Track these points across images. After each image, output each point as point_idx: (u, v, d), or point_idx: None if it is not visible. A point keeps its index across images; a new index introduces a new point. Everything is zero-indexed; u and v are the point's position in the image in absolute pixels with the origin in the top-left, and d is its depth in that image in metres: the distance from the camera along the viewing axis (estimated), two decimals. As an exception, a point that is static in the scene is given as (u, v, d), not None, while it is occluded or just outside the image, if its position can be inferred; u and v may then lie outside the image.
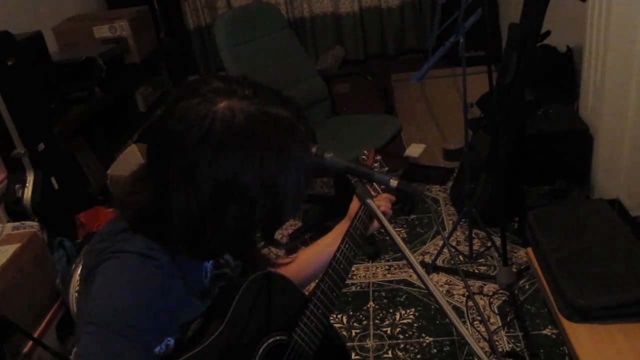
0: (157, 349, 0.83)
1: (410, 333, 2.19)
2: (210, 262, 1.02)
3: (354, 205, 1.27)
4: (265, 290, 1.04)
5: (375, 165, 1.27)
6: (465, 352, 2.06)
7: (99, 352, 0.76)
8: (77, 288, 1.08)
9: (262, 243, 0.96)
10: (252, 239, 0.90)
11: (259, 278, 1.03)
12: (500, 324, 2.16)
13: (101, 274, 0.83)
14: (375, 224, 1.24)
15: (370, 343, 2.17)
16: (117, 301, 0.80)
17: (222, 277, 1.05)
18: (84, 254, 0.89)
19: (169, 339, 0.87)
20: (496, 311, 2.23)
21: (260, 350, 1.00)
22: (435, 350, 2.10)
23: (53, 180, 2.56)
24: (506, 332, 2.12)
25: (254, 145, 0.80)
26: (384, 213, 1.15)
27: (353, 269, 2.57)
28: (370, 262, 2.62)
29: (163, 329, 0.84)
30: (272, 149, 0.81)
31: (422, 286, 1.90)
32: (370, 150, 1.29)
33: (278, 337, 1.04)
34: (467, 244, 2.55)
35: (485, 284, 2.36)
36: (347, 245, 1.15)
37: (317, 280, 1.12)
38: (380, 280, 2.50)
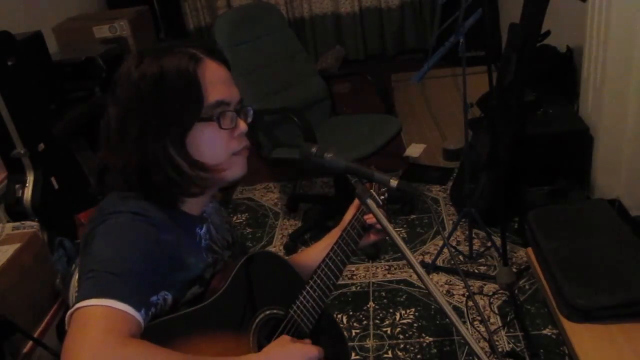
0: (153, 298, 0.88)
1: (410, 333, 2.19)
2: (204, 229, 1.07)
3: (348, 214, 1.31)
4: (265, 266, 1.10)
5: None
6: (465, 352, 2.06)
7: (99, 292, 0.81)
8: (77, 288, 1.09)
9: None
10: (168, 155, 0.96)
11: (260, 255, 1.10)
12: (500, 324, 2.16)
13: (99, 233, 0.89)
14: (370, 238, 1.32)
15: (370, 343, 2.17)
16: (115, 249, 0.87)
17: (213, 250, 1.09)
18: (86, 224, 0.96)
19: (166, 292, 0.92)
20: (496, 311, 2.23)
21: (258, 319, 1.04)
22: (435, 350, 2.10)
23: (53, 180, 2.56)
24: (506, 332, 2.12)
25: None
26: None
27: (353, 269, 2.57)
28: (370, 262, 2.62)
29: (159, 279, 0.90)
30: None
31: (422, 286, 1.91)
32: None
33: (275, 311, 1.08)
34: (467, 244, 2.55)
35: (485, 284, 2.36)
36: (344, 240, 1.22)
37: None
38: (380, 280, 2.50)
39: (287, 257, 1.28)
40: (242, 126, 1.01)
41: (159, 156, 0.95)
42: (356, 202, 1.30)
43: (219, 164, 0.99)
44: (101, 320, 0.78)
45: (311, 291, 1.12)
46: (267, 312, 1.06)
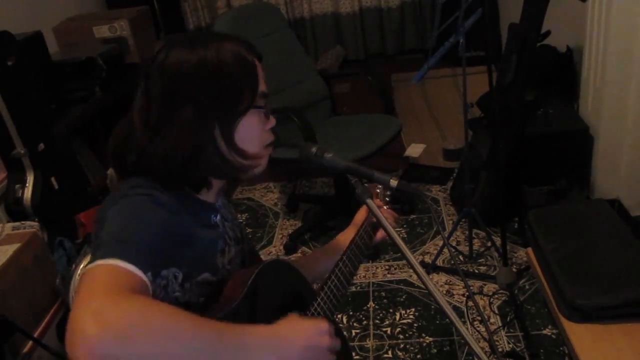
0: (163, 272, 0.90)
1: (410, 333, 2.19)
2: (218, 217, 1.08)
3: (361, 214, 1.31)
4: (278, 275, 1.09)
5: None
6: (465, 352, 2.06)
7: (105, 255, 0.81)
8: (77, 288, 1.09)
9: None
10: (215, 139, 0.97)
11: (273, 264, 1.08)
12: (500, 324, 2.16)
13: (110, 214, 0.89)
14: (381, 235, 1.30)
15: (370, 343, 2.17)
16: (123, 223, 0.87)
17: (225, 239, 1.09)
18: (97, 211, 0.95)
19: (176, 270, 0.93)
20: (496, 311, 2.23)
21: None
22: (435, 350, 2.10)
23: (53, 180, 2.56)
24: (506, 332, 2.12)
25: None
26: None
27: (353, 269, 2.58)
28: (370, 262, 2.62)
29: (168, 252, 0.90)
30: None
31: (422, 286, 1.90)
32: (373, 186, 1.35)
33: None
34: (467, 244, 2.55)
35: (485, 284, 2.36)
36: (352, 252, 1.21)
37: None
38: (380, 280, 2.50)
39: (300, 257, 1.27)
40: (273, 120, 1.06)
41: (206, 140, 0.96)
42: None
43: (256, 153, 1.02)
44: (105, 277, 0.79)
45: (322, 303, 1.10)
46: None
